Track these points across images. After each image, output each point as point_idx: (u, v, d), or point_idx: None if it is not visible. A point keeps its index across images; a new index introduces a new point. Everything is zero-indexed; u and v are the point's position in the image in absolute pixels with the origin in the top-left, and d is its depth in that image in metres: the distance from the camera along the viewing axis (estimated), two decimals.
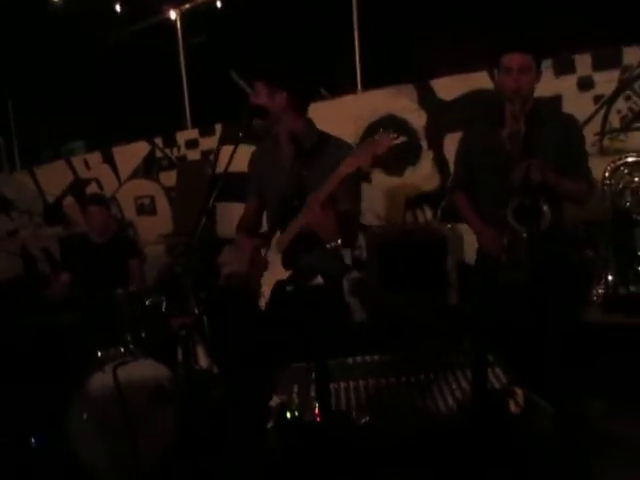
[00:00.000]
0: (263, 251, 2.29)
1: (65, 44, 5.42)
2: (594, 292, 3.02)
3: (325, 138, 2.36)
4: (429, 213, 3.95)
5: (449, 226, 3.63)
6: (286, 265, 2.19)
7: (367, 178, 4.04)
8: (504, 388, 1.28)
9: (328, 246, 2.13)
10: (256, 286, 2.29)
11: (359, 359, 1.67)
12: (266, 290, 2.25)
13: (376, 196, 4.12)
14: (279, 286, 2.19)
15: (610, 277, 3.02)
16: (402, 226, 3.95)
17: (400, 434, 1.27)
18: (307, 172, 2.24)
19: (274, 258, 2.26)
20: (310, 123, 2.40)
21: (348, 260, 4.21)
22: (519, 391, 1.25)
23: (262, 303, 2.25)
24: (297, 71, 2.42)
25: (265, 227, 2.57)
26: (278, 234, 2.26)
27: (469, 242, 3.31)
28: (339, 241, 2.12)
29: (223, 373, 2.97)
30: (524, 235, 2.36)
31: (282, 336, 2.13)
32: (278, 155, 2.39)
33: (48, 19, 5.13)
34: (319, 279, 2.09)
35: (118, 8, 4.59)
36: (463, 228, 3.48)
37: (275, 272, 2.24)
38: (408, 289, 3.53)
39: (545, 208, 2.34)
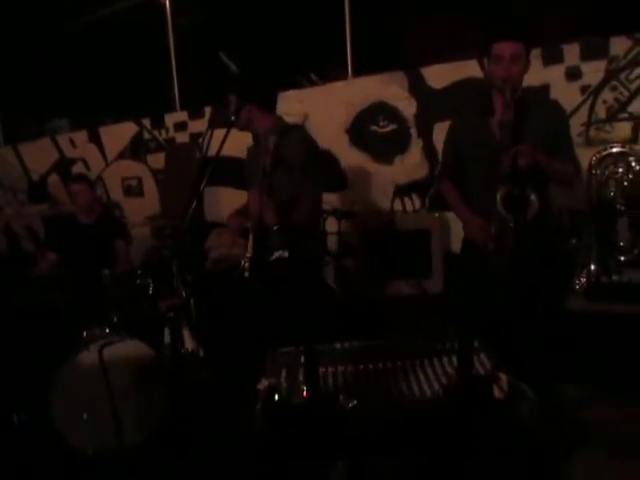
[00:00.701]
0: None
1: (51, 19, 5.34)
2: (576, 280, 3.06)
3: (290, 128, 2.51)
4: (417, 201, 3.98)
5: (436, 214, 3.66)
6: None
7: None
8: (489, 374, 1.31)
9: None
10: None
11: (347, 344, 1.69)
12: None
13: (365, 184, 4.14)
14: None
15: (593, 266, 3.06)
16: (390, 214, 3.97)
17: (386, 418, 1.29)
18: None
19: None
20: (280, 119, 2.52)
21: (334, 246, 4.24)
22: (503, 377, 1.28)
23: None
24: (264, 86, 2.57)
25: None
26: None
27: (456, 230, 3.35)
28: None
29: (209, 356, 2.98)
30: (511, 224, 2.39)
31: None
32: (259, 149, 2.45)
33: None
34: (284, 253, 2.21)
35: None
36: (450, 216, 3.51)
37: None
38: (395, 276, 3.57)
39: (533, 197, 2.37)
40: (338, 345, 1.68)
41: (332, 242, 4.22)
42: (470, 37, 3.82)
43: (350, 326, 2.63)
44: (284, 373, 1.48)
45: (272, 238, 2.39)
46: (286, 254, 2.35)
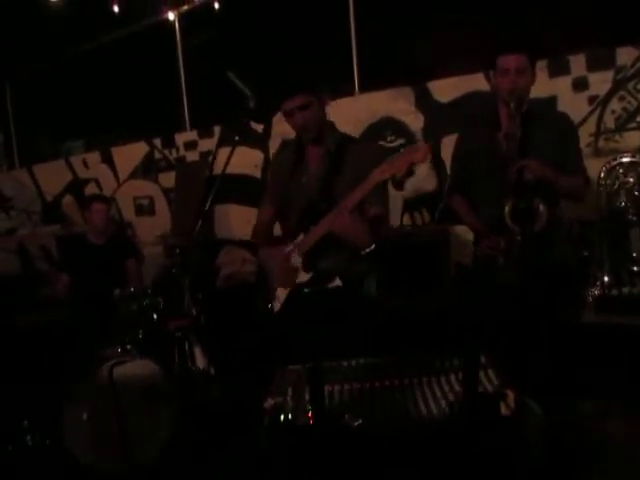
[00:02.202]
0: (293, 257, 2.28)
1: (64, 43, 5.44)
2: (589, 293, 3.03)
3: (348, 140, 2.40)
4: (427, 215, 3.97)
5: (446, 228, 3.64)
6: (307, 268, 2.20)
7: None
8: (495, 390, 1.29)
9: (363, 252, 2.16)
10: (271, 289, 2.30)
11: (354, 362, 1.68)
12: (280, 293, 2.25)
13: None
14: (297, 289, 2.20)
15: (605, 278, 3.03)
16: (400, 228, 3.96)
17: (392, 437, 1.28)
18: (334, 175, 2.25)
19: (294, 260, 2.28)
20: (332, 125, 2.42)
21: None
22: (510, 393, 1.26)
23: (276, 306, 2.26)
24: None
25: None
26: (301, 237, 2.26)
27: (466, 244, 3.33)
28: (373, 246, 2.15)
29: (220, 374, 2.99)
30: (519, 236, 2.38)
31: (292, 338, 2.13)
32: (301, 159, 2.40)
33: (47, 17, 5.13)
34: (337, 281, 2.09)
35: (116, 9, 4.59)
36: (460, 230, 3.50)
37: (294, 275, 2.25)
38: (407, 291, 3.54)
39: (542, 209, 2.36)
40: (345, 363, 1.68)
41: None
42: (476, 50, 3.83)
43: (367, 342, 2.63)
44: (290, 392, 1.48)
45: (335, 261, 2.24)
46: (340, 282, 2.20)
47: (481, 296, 2.76)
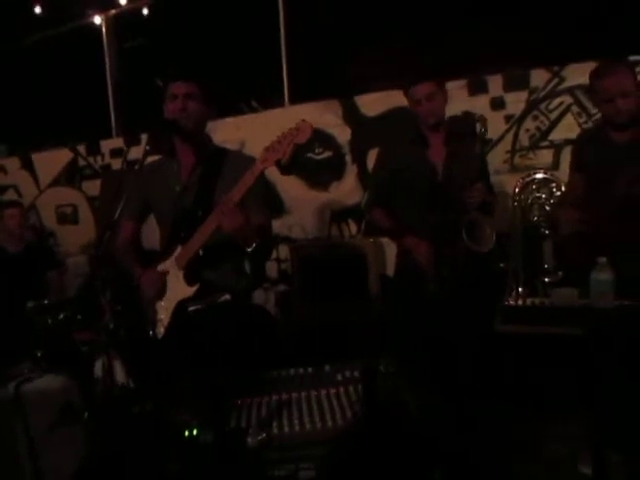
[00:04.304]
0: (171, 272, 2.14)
1: None
2: (505, 303, 3.14)
3: (223, 149, 2.35)
4: (354, 227, 4.02)
5: (371, 240, 3.71)
6: (190, 281, 2.08)
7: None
8: (395, 398, 1.32)
9: (248, 249, 2.01)
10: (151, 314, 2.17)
11: (269, 374, 1.68)
12: (163, 316, 2.12)
13: (302, 210, 4.16)
14: (180, 308, 2.06)
15: (520, 289, 3.15)
16: (327, 240, 3.99)
17: (296, 451, 1.28)
18: (210, 182, 2.16)
19: (172, 276, 2.13)
20: (208, 137, 2.36)
21: (274, 273, 4.24)
22: (411, 400, 1.29)
23: (160, 331, 2.13)
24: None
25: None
26: (179, 249, 2.13)
27: (390, 255, 3.40)
28: (255, 245, 2.00)
29: (139, 389, 2.89)
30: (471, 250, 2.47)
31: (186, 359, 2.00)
32: (172, 168, 2.29)
33: None
34: (227, 296, 2.00)
35: (38, 10, 4.43)
36: (385, 241, 3.57)
37: (175, 292, 2.11)
38: (331, 301, 3.57)
39: (489, 229, 2.48)
40: (262, 375, 1.67)
41: (271, 268, 4.23)
42: (404, 66, 3.93)
43: (291, 352, 2.61)
44: (199, 407, 1.45)
45: (218, 274, 2.14)
46: (228, 297, 2.03)
47: (402, 307, 2.83)
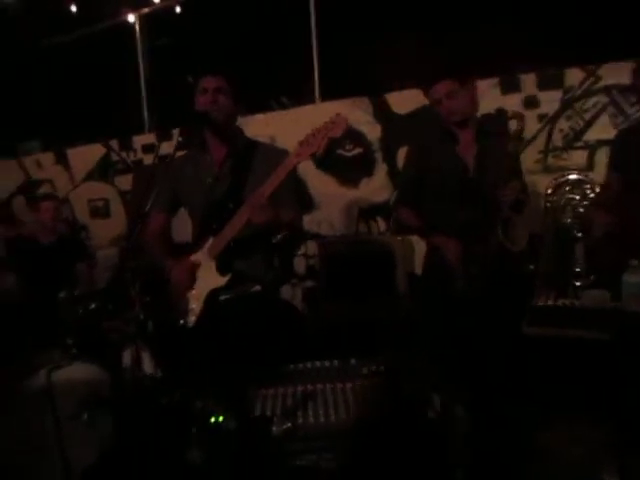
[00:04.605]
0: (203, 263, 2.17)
1: (23, 42, 5.33)
2: (534, 305, 3.09)
3: (254, 142, 2.36)
4: (382, 224, 4.01)
5: (400, 238, 3.69)
6: (222, 271, 2.10)
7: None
8: (421, 395, 1.31)
9: (274, 240, 2.07)
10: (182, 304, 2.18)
11: (293, 366, 1.68)
12: (194, 306, 2.14)
13: (331, 207, 4.16)
14: (213, 295, 2.09)
15: (550, 291, 3.10)
16: (355, 237, 3.99)
17: (322, 439, 1.28)
18: (241, 174, 2.17)
19: (205, 267, 2.15)
20: (240, 130, 2.38)
21: (302, 269, 4.25)
22: (436, 397, 1.28)
23: (191, 320, 2.14)
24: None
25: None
26: (210, 240, 2.16)
27: (419, 253, 3.38)
28: (285, 232, 2.07)
29: (167, 380, 2.93)
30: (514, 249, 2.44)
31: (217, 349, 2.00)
32: (204, 160, 2.32)
33: (5, 17, 5.03)
34: (257, 287, 2.02)
35: (73, 9, 4.52)
36: (413, 239, 3.54)
37: (207, 281, 2.13)
38: (358, 298, 3.57)
39: (525, 225, 2.45)
40: (286, 367, 1.67)
41: (299, 264, 4.24)
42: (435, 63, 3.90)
43: (318, 347, 2.62)
44: (224, 394, 1.47)
45: (249, 265, 2.16)
46: (259, 287, 2.09)
47: (430, 304, 2.81)
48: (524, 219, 2.56)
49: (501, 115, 3.29)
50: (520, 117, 2.57)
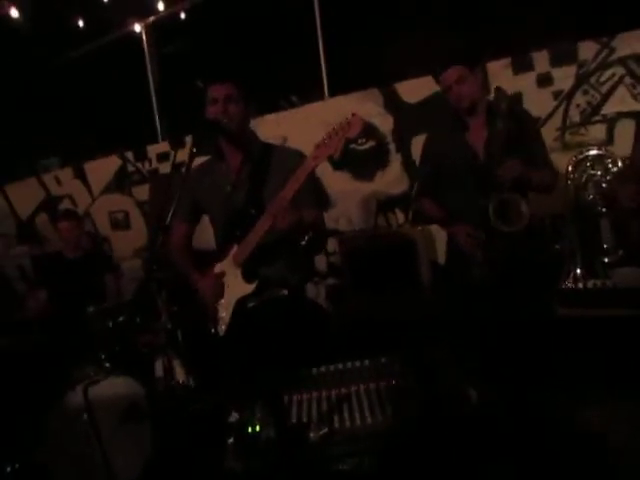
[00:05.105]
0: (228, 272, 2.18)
1: (33, 60, 5.39)
2: (563, 286, 3.04)
3: (269, 145, 2.36)
4: (400, 216, 3.98)
5: (420, 228, 3.66)
6: (248, 278, 2.10)
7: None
8: (456, 388, 1.29)
9: (302, 242, 2.06)
10: (211, 313, 2.20)
11: (324, 368, 1.68)
12: (224, 314, 2.15)
13: (348, 202, 4.14)
14: (241, 303, 2.09)
15: (578, 270, 3.05)
16: (374, 230, 3.96)
17: (357, 446, 1.28)
18: (260, 179, 2.17)
19: (231, 275, 2.16)
20: (254, 134, 2.38)
21: (324, 266, 4.24)
22: (472, 391, 1.26)
23: (221, 329, 2.16)
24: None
25: None
26: (235, 248, 2.16)
27: (440, 242, 3.35)
28: (308, 236, 2.06)
29: (200, 388, 2.95)
30: (503, 231, 2.41)
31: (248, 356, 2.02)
32: (221, 168, 2.32)
33: (15, 34, 5.08)
34: (284, 291, 2.02)
35: (81, 24, 4.56)
36: (434, 228, 3.51)
37: (235, 289, 2.13)
38: (382, 292, 3.55)
39: (524, 207, 2.41)
40: (315, 370, 1.67)
41: (320, 262, 4.24)
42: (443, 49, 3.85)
43: (344, 345, 2.61)
44: (259, 404, 1.47)
45: (276, 269, 2.17)
46: (286, 291, 2.10)
47: (454, 293, 2.79)
48: (526, 199, 2.49)
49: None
50: (499, 91, 2.52)
